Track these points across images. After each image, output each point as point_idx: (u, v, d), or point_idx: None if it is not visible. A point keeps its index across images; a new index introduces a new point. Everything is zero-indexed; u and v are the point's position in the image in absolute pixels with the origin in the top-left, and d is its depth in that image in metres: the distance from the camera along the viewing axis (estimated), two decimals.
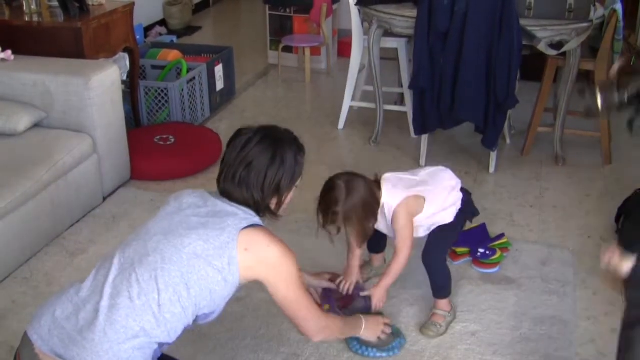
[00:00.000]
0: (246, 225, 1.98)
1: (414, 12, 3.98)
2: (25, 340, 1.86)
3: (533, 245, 3.43)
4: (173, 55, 5.11)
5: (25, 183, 3.16)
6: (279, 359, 2.65)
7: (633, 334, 2.13)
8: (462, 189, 2.86)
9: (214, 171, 4.14)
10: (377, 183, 2.73)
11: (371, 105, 4.78)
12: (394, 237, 2.77)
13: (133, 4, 4.40)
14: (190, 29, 7.44)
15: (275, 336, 2.77)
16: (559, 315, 2.91)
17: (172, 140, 4.28)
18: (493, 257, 3.24)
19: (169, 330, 1.88)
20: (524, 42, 3.88)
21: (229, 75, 5.37)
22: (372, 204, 2.64)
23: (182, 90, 4.65)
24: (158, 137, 4.29)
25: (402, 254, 2.72)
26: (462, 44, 3.83)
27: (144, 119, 4.71)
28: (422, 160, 4.27)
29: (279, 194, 2.13)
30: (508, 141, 4.62)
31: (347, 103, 4.87)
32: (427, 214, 2.74)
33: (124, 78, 4.58)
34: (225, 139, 4.46)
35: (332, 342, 2.72)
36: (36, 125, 3.59)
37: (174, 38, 6.66)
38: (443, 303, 2.85)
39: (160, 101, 4.67)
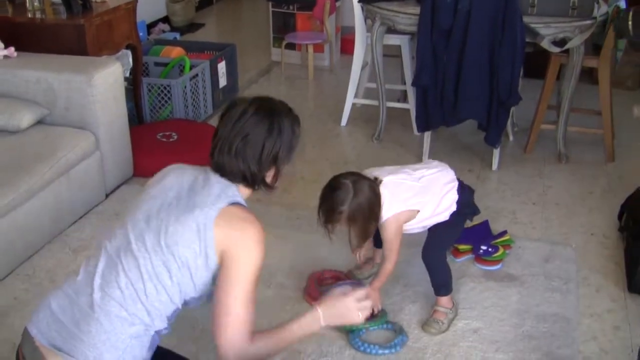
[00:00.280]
0: (226, 204, 1.90)
1: (417, 9, 3.98)
2: (26, 335, 1.86)
3: (536, 242, 3.43)
4: (176, 52, 5.11)
5: (28, 180, 3.16)
6: (280, 356, 2.64)
7: None
8: (464, 187, 2.84)
9: None
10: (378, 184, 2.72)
11: (374, 103, 4.78)
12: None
13: (136, 0, 4.40)
14: (193, 26, 7.44)
15: None
16: (562, 313, 2.90)
17: (175, 137, 4.28)
18: (495, 255, 3.23)
19: (161, 317, 1.87)
20: (527, 39, 3.87)
21: (231, 72, 5.36)
22: (376, 206, 2.63)
23: (185, 87, 4.65)
24: (161, 134, 4.29)
25: (389, 262, 2.74)
26: (465, 41, 3.83)
27: (146, 115, 4.71)
28: (425, 158, 4.26)
29: (276, 165, 2.08)
30: (511, 138, 4.61)
31: (349, 100, 4.87)
32: (419, 219, 2.74)
33: (127, 75, 4.58)
34: None
35: (334, 339, 2.72)
36: (39, 122, 3.59)
37: (177, 35, 6.66)
38: (444, 300, 2.85)
39: (163, 98, 4.67)
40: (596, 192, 3.95)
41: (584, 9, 4.06)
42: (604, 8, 4.00)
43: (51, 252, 3.31)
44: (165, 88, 4.63)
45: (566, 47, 3.96)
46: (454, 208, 2.77)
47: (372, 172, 2.75)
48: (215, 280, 1.89)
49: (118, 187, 3.93)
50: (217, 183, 1.96)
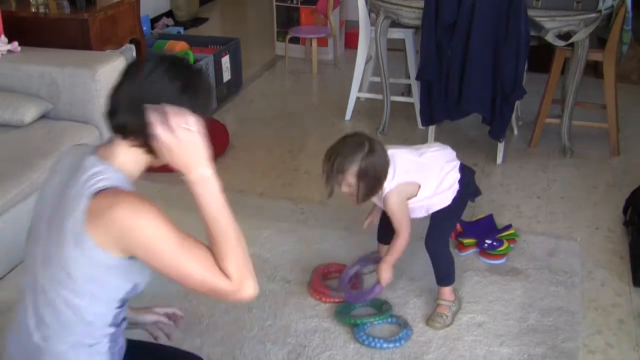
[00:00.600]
0: (87, 200, 1.59)
1: (421, 3, 3.97)
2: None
3: (540, 236, 3.42)
4: (180, 46, 5.11)
5: (31, 174, 3.16)
6: (285, 349, 2.65)
7: None
8: (465, 168, 2.81)
9: (221, 162, 4.19)
10: None
11: (378, 96, 4.77)
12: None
13: None
14: (197, 21, 7.44)
15: (282, 327, 2.77)
16: (566, 307, 2.90)
17: None
18: (500, 249, 3.23)
19: (102, 327, 1.71)
20: (532, 33, 3.86)
21: (235, 67, 5.36)
22: (385, 169, 2.61)
23: None
24: None
25: (402, 234, 2.70)
26: (470, 34, 3.82)
27: None
28: None
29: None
30: (515, 133, 4.61)
31: (354, 94, 4.86)
32: (420, 198, 2.70)
33: None
34: (232, 130, 4.51)
35: (340, 333, 2.73)
36: (43, 117, 3.59)
37: (181, 29, 6.65)
38: (447, 292, 2.85)
39: None
40: (601, 186, 3.95)
41: (589, 2, 4.04)
42: (608, 1, 3.99)
43: None
44: None
45: (571, 40, 3.95)
46: (456, 187, 2.72)
47: None
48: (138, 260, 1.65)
49: None
50: (83, 174, 1.65)
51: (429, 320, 2.80)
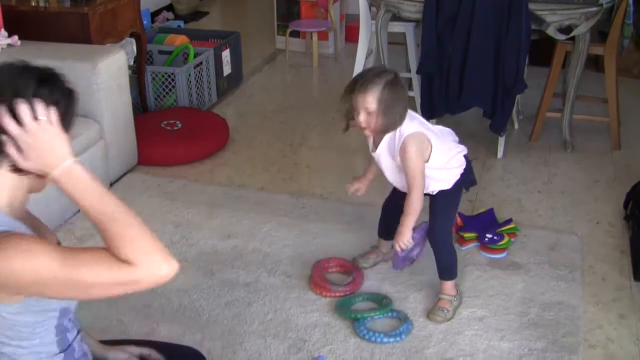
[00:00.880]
0: None
1: None
2: None
3: (541, 230, 3.42)
4: (180, 40, 5.10)
5: None
6: (286, 344, 2.65)
7: None
8: (465, 156, 2.79)
9: (221, 156, 4.19)
10: None
11: None
12: (399, 182, 2.74)
13: None
14: (197, 14, 7.42)
15: (283, 322, 2.77)
16: (567, 301, 2.90)
17: (179, 125, 4.27)
18: (501, 243, 3.23)
19: (45, 354, 1.56)
20: (533, 27, 3.85)
21: (236, 61, 5.35)
22: (404, 106, 2.58)
23: (189, 75, 4.64)
24: (165, 123, 4.29)
25: (414, 192, 2.61)
26: (471, 28, 3.81)
27: (150, 104, 4.71)
28: None
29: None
30: (516, 126, 4.60)
31: None
32: (432, 164, 2.64)
33: (131, 63, 4.57)
34: (232, 124, 4.51)
35: (340, 328, 2.73)
36: None
37: (181, 23, 6.64)
38: (449, 287, 2.84)
39: (167, 86, 4.66)
40: (602, 181, 3.94)
41: None
42: None
43: None
44: (169, 76, 4.62)
45: (572, 34, 3.94)
46: (461, 170, 2.71)
47: None
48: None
49: (122, 175, 3.93)
50: None
51: (430, 313, 2.80)
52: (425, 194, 2.74)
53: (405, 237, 2.65)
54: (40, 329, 1.53)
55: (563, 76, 4.53)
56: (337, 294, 2.90)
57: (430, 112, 4.17)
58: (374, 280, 3.03)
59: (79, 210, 3.52)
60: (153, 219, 3.50)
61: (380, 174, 2.84)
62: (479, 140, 4.39)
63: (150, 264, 1.45)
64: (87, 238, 3.31)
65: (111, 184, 3.82)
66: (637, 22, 4.02)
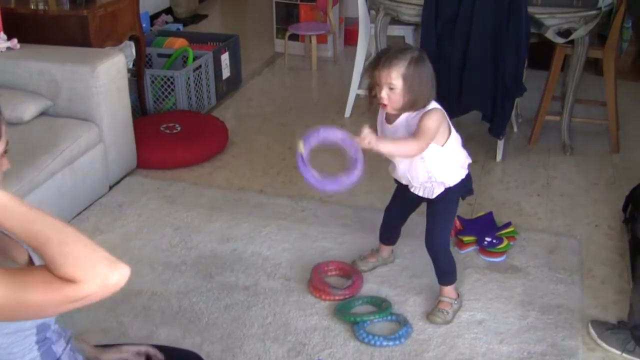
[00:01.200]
0: None
1: (420, 0, 3.96)
2: None
3: (540, 233, 3.42)
4: (179, 43, 5.11)
5: (31, 171, 3.16)
6: (285, 347, 2.65)
7: None
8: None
9: (220, 159, 4.19)
10: None
11: None
12: (406, 168, 2.66)
13: None
14: (196, 17, 7.42)
15: (282, 325, 2.77)
16: (566, 304, 2.90)
17: (178, 128, 4.27)
18: (500, 246, 3.23)
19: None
20: (532, 30, 3.86)
21: (235, 64, 5.35)
22: (430, 84, 2.55)
23: (188, 78, 4.64)
24: (164, 126, 4.29)
25: (417, 143, 2.50)
26: (470, 31, 3.81)
27: (150, 107, 4.70)
28: None
29: None
30: (515, 129, 4.60)
31: (353, 91, 4.86)
32: (444, 151, 2.60)
33: (130, 66, 4.57)
34: (231, 127, 4.51)
35: (340, 331, 2.73)
36: (42, 114, 3.58)
37: (180, 26, 6.65)
38: (449, 290, 2.84)
39: (166, 89, 4.66)
40: (601, 184, 3.94)
41: None
42: None
43: None
44: (168, 79, 4.62)
45: (571, 37, 3.95)
46: (464, 174, 2.70)
47: None
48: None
49: (122, 178, 3.92)
50: None
51: (430, 314, 2.80)
52: (424, 199, 2.74)
53: (373, 138, 2.43)
54: (18, 348, 1.49)
55: (562, 79, 4.54)
56: (337, 298, 2.90)
57: None
58: (374, 283, 3.03)
59: (78, 214, 3.53)
60: (152, 222, 3.50)
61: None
62: (478, 143, 4.38)
63: (96, 276, 1.35)
64: None
65: (110, 187, 3.82)
66: (635, 25, 4.01)
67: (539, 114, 4.39)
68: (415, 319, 2.81)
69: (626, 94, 4.87)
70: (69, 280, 1.31)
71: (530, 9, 3.81)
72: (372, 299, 2.91)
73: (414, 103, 2.51)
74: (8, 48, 3.74)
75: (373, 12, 4.46)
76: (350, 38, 6.18)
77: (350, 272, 3.06)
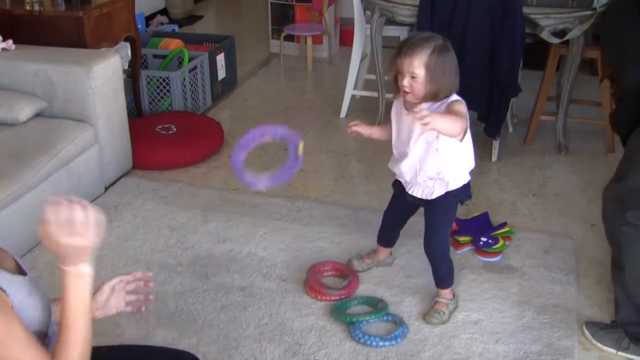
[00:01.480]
0: None
1: (416, 0, 3.97)
2: None
3: (536, 233, 3.43)
4: (175, 44, 5.10)
5: (27, 172, 3.15)
6: (281, 348, 2.65)
7: None
8: None
9: (216, 160, 4.19)
10: None
11: (373, 94, 4.77)
12: (414, 161, 2.62)
13: None
14: (191, 18, 7.42)
15: (278, 325, 2.77)
16: (562, 304, 2.90)
17: (174, 129, 4.27)
18: (496, 246, 3.23)
19: None
20: (527, 30, 3.86)
21: (230, 65, 5.35)
22: (454, 77, 2.52)
23: (184, 79, 4.64)
24: (160, 127, 4.28)
25: (459, 124, 2.47)
26: (465, 32, 3.82)
27: (145, 108, 4.70)
28: None
29: None
30: (511, 130, 4.61)
31: (349, 92, 4.86)
32: (461, 146, 2.58)
33: (126, 67, 4.57)
34: (227, 128, 4.50)
35: (336, 331, 2.73)
36: (38, 115, 3.58)
37: (176, 27, 6.64)
38: (446, 291, 2.85)
39: (161, 90, 4.66)
40: (596, 183, 3.95)
41: None
42: None
43: None
44: (164, 80, 4.62)
45: (566, 38, 3.96)
46: (465, 181, 2.68)
47: None
48: None
49: (117, 179, 3.92)
50: None
51: (426, 315, 2.80)
52: (422, 202, 2.74)
53: (426, 118, 2.30)
54: None
55: (557, 79, 4.55)
56: (333, 298, 2.90)
57: None
58: (370, 283, 3.03)
59: None
60: (148, 223, 3.50)
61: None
62: (473, 143, 4.38)
63: None
64: None
65: (106, 188, 3.81)
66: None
67: (534, 114, 4.40)
68: (411, 319, 2.81)
69: None
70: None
71: (526, 10, 3.82)
72: (368, 299, 2.91)
73: (436, 92, 2.49)
74: (3, 49, 3.74)
75: (368, 12, 4.47)
76: (346, 39, 6.19)
77: (346, 272, 3.06)
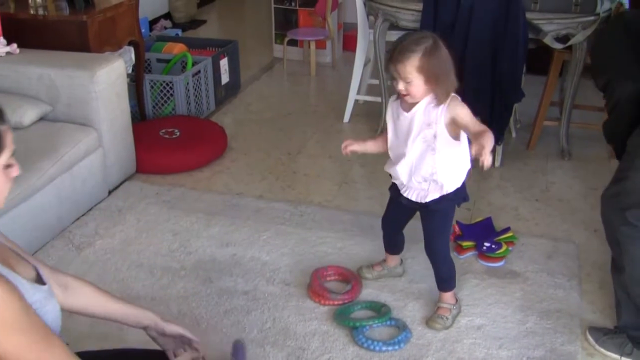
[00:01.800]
0: None
1: (419, 6, 3.97)
2: None
3: (539, 239, 3.43)
4: (178, 48, 5.11)
5: (30, 176, 3.16)
6: (284, 352, 2.65)
7: None
8: None
9: (219, 164, 4.20)
10: None
11: (376, 99, 4.77)
12: (412, 160, 2.61)
13: None
14: (195, 23, 7.44)
15: (282, 330, 2.77)
16: (565, 309, 2.90)
17: (177, 133, 4.28)
18: (499, 251, 3.23)
19: None
20: (530, 36, 3.87)
21: (234, 69, 5.36)
22: (450, 75, 2.48)
23: (188, 83, 4.65)
24: (163, 131, 4.29)
25: (485, 129, 2.45)
26: (468, 37, 3.82)
27: (149, 112, 4.71)
28: None
29: None
30: (514, 135, 4.61)
31: (352, 96, 4.87)
32: (455, 148, 2.58)
33: (129, 71, 4.58)
34: (230, 132, 4.51)
35: (339, 336, 2.73)
36: (42, 119, 3.59)
37: (179, 31, 6.65)
38: (448, 296, 2.85)
39: (165, 94, 4.67)
40: (599, 189, 3.91)
41: (587, 5, 4.05)
42: (606, 4, 3.99)
43: (54, 248, 3.31)
44: (167, 84, 4.63)
45: (569, 43, 3.96)
46: (461, 180, 2.67)
47: None
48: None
49: (121, 183, 3.93)
50: None
51: (429, 321, 2.80)
52: (417, 205, 2.73)
53: (488, 151, 2.35)
54: None
55: (560, 85, 4.55)
56: (336, 302, 2.90)
57: None
58: (373, 288, 3.03)
59: (77, 219, 3.53)
60: (151, 227, 3.50)
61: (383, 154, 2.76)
62: None
63: None
64: (85, 246, 3.31)
65: (109, 192, 3.82)
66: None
67: (537, 119, 4.40)
68: (414, 324, 2.81)
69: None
70: None
71: (529, 15, 3.82)
72: (371, 304, 2.91)
73: (434, 91, 2.48)
74: (7, 53, 3.75)
75: (372, 17, 4.47)
76: (349, 43, 6.19)
77: (349, 277, 3.06)
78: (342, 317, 2.80)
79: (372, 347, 2.65)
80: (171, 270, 3.15)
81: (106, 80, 3.63)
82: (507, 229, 3.40)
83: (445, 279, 2.84)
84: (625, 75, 2.67)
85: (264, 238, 3.41)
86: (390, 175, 2.77)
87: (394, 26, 4.33)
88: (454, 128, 2.54)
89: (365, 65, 4.84)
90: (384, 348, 2.65)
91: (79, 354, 1.72)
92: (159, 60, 5.01)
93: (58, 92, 3.61)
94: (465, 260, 3.24)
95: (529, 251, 3.31)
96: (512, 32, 3.76)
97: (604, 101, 2.85)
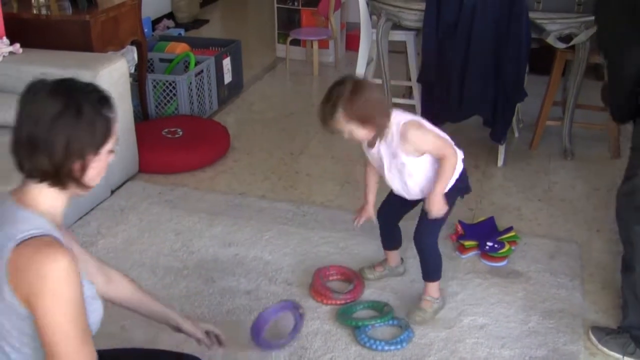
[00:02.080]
0: (18, 242, 1.49)
1: (422, 5, 3.97)
2: None
3: (541, 238, 3.43)
4: (181, 48, 5.11)
5: None
6: (287, 351, 2.65)
7: None
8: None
9: (222, 164, 4.20)
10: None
11: None
12: (397, 182, 2.69)
13: None
14: (198, 22, 7.44)
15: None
16: (567, 309, 2.90)
17: (180, 133, 4.28)
18: (501, 251, 3.23)
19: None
20: (533, 35, 3.86)
21: (236, 69, 5.36)
22: (380, 104, 2.52)
23: (190, 83, 4.65)
24: (166, 130, 4.29)
25: (446, 155, 2.56)
26: (471, 37, 3.82)
27: (152, 112, 4.71)
28: None
29: (80, 156, 1.65)
30: (516, 135, 4.61)
31: None
32: (424, 162, 2.60)
33: (132, 71, 4.58)
34: (233, 132, 4.51)
35: (341, 335, 2.73)
36: None
37: (182, 31, 6.66)
38: (433, 289, 2.85)
39: (168, 94, 4.67)
40: (602, 189, 3.95)
41: (590, 4, 4.04)
42: None
43: None
44: (170, 84, 4.63)
45: (572, 43, 3.96)
46: (457, 176, 2.67)
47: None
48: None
49: (123, 183, 3.93)
50: (6, 223, 1.55)
51: (410, 313, 2.82)
52: (416, 201, 2.75)
53: (439, 205, 2.58)
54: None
55: (563, 84, 4.54)
56: (338, 302, 2.91)
57: (430, 120, 4.16)
58: (375, 288, 3.03)
59: (79, 218, 3.53)
60: (154, 227, 3.50)
61: (380, 181, 2.82)
62: (479, 148, 4.39)
63: None
64: (88, 245, 3.31)
65: (112, 192, 3.82)
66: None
67: (540, 119, 4.40)
68: (416, 324, 2.81)
69: None
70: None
71: (532, 15, 3.82)
72: (374, 304, 2.91)
73: (379, 126, 2.53)
74: (11, 52, 3.76)
75: (375, 17, 4.47)
76: (352, 43, 6.19)
77: (352, 276, 3.06)
78: (344, 316, 2.81)
79: (374, 346, 2.65)
80: (174, 269, 3.16)
81: (109, 79, 3.63)
82: (509, 229, 3.40)
83: (431, 270, 2.84)
84: (628, 41, 2.59)
85: (267, 238, 3.41)
86: None
87: (396, 26, 4.33)
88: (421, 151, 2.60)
89: (368, 65, 4.84)
90: (386, 347, 2.65)
91: (106, 351, 1.76)
92: (161, 60, 5.01)
93: None
94: (467, 259, 3.24)
95: (531, 251, 3.31)
96: (515, 31, 3.76)
97: (605, 62, 2.80)
